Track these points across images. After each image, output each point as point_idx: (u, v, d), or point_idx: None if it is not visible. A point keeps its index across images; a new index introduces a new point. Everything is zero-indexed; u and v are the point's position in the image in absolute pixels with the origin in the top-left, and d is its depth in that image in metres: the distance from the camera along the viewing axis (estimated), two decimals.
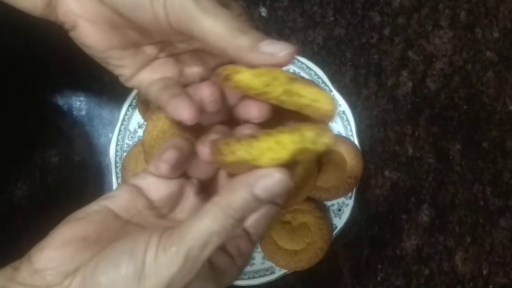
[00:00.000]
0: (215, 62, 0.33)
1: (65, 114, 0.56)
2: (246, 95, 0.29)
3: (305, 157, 0.25)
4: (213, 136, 0.30)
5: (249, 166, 0.25)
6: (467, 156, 0.59)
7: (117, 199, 0.29)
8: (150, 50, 0.33)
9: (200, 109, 0.30)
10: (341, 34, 0.60)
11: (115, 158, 0.53)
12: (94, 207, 0.29)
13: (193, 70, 0.34)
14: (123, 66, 0.33)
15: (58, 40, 0.57)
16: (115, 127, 0.54)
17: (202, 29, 0.27)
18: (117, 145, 0.53)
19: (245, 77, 0.27)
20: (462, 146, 0.59)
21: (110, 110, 0.56)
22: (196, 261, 0.24)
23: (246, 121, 0.30)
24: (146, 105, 0.52)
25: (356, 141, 0.54)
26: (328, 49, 0.60)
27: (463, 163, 0.58)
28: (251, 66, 0.27)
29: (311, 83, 0.29)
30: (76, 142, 0.55)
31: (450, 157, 0.58)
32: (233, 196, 0.25)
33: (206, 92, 0.30)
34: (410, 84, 0.60)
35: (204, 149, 0.28)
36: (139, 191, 0.30)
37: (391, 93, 0.59)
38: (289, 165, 0.25)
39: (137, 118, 0.54)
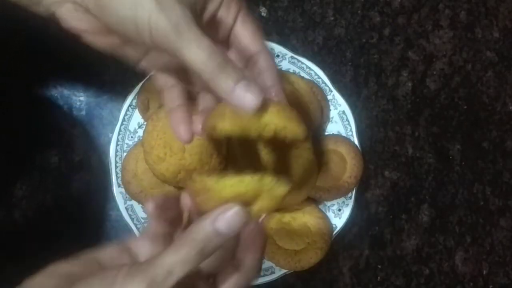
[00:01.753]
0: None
1: (65, 114, 0.56)
2: None
3: (267, 203, 0.29)
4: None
5: (214, 201, 0.28)
6: (467, 156, 0.59)
7: (106, 251, 0.32)
8: None
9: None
10: (341, 34, 0.60)
11: (115, 158, 0.53)
12: (86, 254, 0.32)
13: None
14: (128, 55, 0.36)
15: (58, 40, 0.57)
16: (115, 127, 0.53)
17: (184, 60, 0.29)
18: (117, 145, 0.53)
19: (225, 127, 0.30)
20: (462, 146, 0.59)
21: (110, 110, 0.56)
22: None
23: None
24: (146, 105, 0.52)
25: (356, 141, 0.54)
26: (328, 49, 0.60)
27: (463, 163, 0.58)
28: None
29: (286, 108, 0.32)
30: (76, 142, 0.55)
31: (450, 157, 0.59)
32: (197, 229, 0.27)
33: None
34: (410, 84, 0.60)
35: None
36: (128, 250, 0.33)
37: (391, 93, 0.59)
38: (248, 204, 0.29)
39: (137, 118, 0.54)
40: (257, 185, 0.28)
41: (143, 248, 0.33)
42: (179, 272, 0.26)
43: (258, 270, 0.33)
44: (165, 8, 0.29)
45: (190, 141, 0.35)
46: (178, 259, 0.26)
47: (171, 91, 0.37)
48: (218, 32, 0.36)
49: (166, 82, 0.37)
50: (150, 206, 0.31)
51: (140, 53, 0.36)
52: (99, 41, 0.35)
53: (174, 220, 0.33)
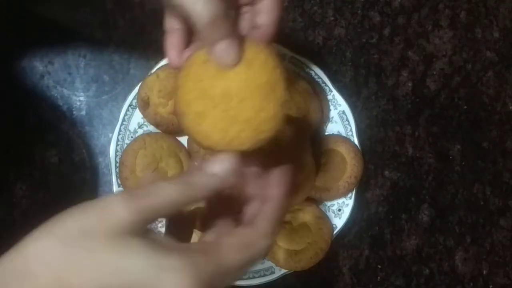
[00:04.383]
0: None
1: (65, 114, 0.56)
2: None
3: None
4: None
5: None
6: (467, 156, 0.59)
7: None
8: None
9: None
10: (341, 34, 0.60)
11: (115, 158, 0.53)
12: None
13: None
14: None
15: (58, 40, 0.58)
16: (115, 127, 0.53)
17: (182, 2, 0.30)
18: (117, 145, 0.53)
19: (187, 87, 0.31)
20: (462, 146, 0.59)
21: (110, 110, 0.56)
22: (139, 201, 0.26)
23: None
24: (146, 101, 0.52)
25: (356, 141, 0.54)
26: (328, 49, 0.60)
27: (463, 163, 0.58)
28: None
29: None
30: (76, 142, 0.55)
31: (450, 157, 0.59)
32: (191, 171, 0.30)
33: None
34: (410, 84, 0.60)
35: None
36: None
37: (391, 93, 0.59)
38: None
39: (137, 118, 0.54)
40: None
41: None
42: (163, 195, 0.27)
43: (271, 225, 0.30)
44: None
45: (178, 67, 0.34)
46: (165, 184, 0.27)
47: (176, 31, 0.37)
48: None
49: (173, 26, 0.37)
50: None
51: None
52: None
53: None
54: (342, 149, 0.53)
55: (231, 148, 0.31)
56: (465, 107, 0.60)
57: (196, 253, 0.26)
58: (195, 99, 0.31)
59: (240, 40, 0.32)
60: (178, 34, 0.36)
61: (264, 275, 0.52)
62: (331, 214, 0.54)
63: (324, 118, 0.55)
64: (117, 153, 0.53)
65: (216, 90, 0.31)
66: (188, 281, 0.25)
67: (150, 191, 0.27)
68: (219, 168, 0.29)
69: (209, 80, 0.31)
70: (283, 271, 0.51)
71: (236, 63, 0.31)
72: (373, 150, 0.58)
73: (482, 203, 0.58)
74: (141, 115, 0.53)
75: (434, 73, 0.60)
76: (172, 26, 0.36)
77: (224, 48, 0.31)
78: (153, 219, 0.27)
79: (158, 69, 0.53)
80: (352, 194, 0.53)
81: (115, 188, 0.52)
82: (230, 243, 0.28)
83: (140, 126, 0.54)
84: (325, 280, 0.55)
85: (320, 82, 0.55)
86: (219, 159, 0.30)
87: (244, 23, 0.37)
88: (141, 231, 0.26)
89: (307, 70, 0.55)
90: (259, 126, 0.31)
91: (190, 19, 0.31)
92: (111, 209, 0.26)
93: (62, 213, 0.27)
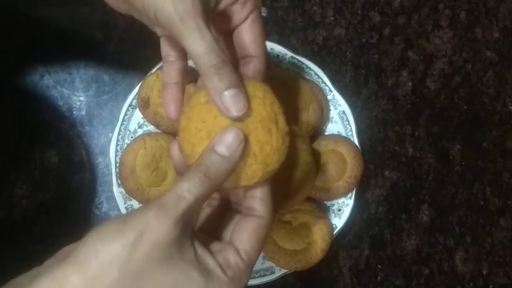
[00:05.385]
0: None
1: (65, 114, 0.56)
2: None
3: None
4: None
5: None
6: (467, 156, 0.59)
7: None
8: None
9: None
10: (341, 34, 0.60)
11: (115, 158, 0.53)
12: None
13: None
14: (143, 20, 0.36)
15: (58, 40, 0.58)
16: (115, 127, 0.53)
17: (185, 45, 0.30)
18: (117, 145, 0.53)
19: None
20: (462, 146, 0.59)
21: (110, 110, 0.56)
22: (170, 212, 0.27)
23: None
24: (146, 101, 0.52)
25: (356, 141, 0.54)
26: (328, 49, 0.60)
27: (463, 163, 0.58)
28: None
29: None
30: (76, 142, 0.55)
31: (450, 157, 0.59)
32: (201, 157, 0.29)
33: None
34: (410, 84, 0.60)
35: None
36: None
37: (391, 93, 0.59)
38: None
39: (137, 118, 0.54)
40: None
41: None
42: (189, 196, 0.27)
43: (269, 207, 0.33)
44: None
45: (176, 119, 0.35)
46: (186, 185, 0.28)
47: (171, 65, 0.37)
48: (228, 24, 0.36)
49: (169, 55, 0.37)
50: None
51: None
52: (117, 3, 0.35)
53: None
54: (342, 149, 0.53)
55: (241, 185, 0.32)
56: (465, 107, 0.60)
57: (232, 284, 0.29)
58: (200, 140, 0.31)
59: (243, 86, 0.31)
60: (175, 88, 0.36)
61: (264, 275, 0.52)
62: (331, 214, 0.54)
63: (324, 118, 0.55)
64: (117, 153, 0.53)
65: (220, 129, 0.31)
66: None
67: (177, 197, 0.27)
68: (227, 147, 0.29)
69: (212, 120, 0.31)
70: (283, 271, 0.51)
71: (245, 113, 0.30)
72: (373, 150, 0.58)
73: (482, 203, 0.58)
74: (141, 115, 0.53)
75: (434, 73, 0.60)
76: (168, 53, 0.37)
77: (231, 97, 0.30)
78: (190, 222, 0.28)
79: (158, 69, 0.53)
80: (352, 194, 0.53)
81: (115, 188, 0.52)
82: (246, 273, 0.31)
83: (140, 126, 0.54)
84: (325, 280, 0.55)
85: (320, 82, 0.55)
86: (222, 137, 0.30)
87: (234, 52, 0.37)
88: (182, 240, 0.27)
89: (307, 70, 0.55)
90: (265, 160, 0.31)
91: (193, 60, 0.31)
92: (151, 229, 0.26)
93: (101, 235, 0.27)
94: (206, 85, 0.31)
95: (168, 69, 0.37)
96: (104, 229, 0.26)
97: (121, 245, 0.25)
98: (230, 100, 0.30)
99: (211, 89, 0.30)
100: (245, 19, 0.36)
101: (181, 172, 0.36)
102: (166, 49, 0.37)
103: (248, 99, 0.31)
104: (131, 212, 0.27)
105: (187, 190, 0.27)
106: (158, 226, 0.26)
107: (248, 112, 0.31)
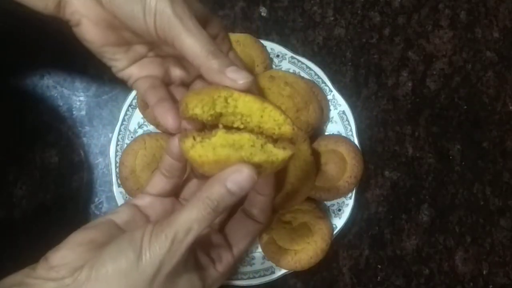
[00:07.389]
0: (195, 71, 0.39)
1: (65, 114, 0.56)
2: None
3: (269, 165, 0.31)
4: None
5: (220, 164, 0.30)
6: (467, 156, 0.59)
7: (119, 214, 0.36)
8: (140, 48, 0.39)
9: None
10: (341, 34, 0.60)
11: (115, 158, 0.53)
12: (101, 220, 0.35)
13: (176, 73, 0.40)
14: (116, 59, 0.38)
15: (58, 41, 0.57)
16: (115, 127, 0.53)
17: (182, 46, 0.33)
18: (117, 145, 0.53)
19: (193, 102, 0.32)
20: (462, 146, 0.59)
21: (110, 110, 0.56)
22: (181, 244, 0.30)
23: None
24: (146, 102, 0.52)
25: (356, 141, 0.54)
26: (328, 49, 0.60)
27: (463, 163, 0.58)
28: (217, 84, 0.33)
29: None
30: (76, 142, 0.55)
31: (450, 157, 0.59)
32: (210, 189, 0.31)
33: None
34: (410, 84, 0.60)
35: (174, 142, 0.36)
36: (138, 209, 0.37)
37: (391, 93, 0.59)
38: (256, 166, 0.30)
39: (137, 118, 0.54)
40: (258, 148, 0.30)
41: (152, 209, 0.37)
42: (196, 229, 0.30)
43: (268, 215, 0.38)
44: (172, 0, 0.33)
45: (178, 128, 0.36)
46: (195, 217, 0.30)
47: (155, 91, 0.38)
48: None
49: (147, 84, 0.38)
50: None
51: (126, 62, 0.38)
52: (94, 33, 0.36)
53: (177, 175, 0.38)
54: (342, 149, 0.53)
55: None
56: (465, 107, 0.60)
57: None
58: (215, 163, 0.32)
59: None
60: (165, 103, 0.37)
61: (264, 275, 0.52)
62: (331, 214, 0.54)
63: (324, 118, 0.55)
64: (117, 153, 0.53)
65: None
66: None
67: (187, 229, 0.30)
68: (239, 182, 0.30)
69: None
70: (283, 271, 0.51)
71: (250, 83, 0.32)
72: (373, 150, 0.58)
73: (482, 203, 0.58)
74: (141, 115, 0.53)
75: (434, 73, 0.60)
76: (146, 85, 0.38)
77: (233, 71, 0.32)
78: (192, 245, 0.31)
79: None
80: (352, 194, 0.53)
81: (115, 188, 0.52)
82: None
83: (140, 126, 0.54)
84: (325, 280, 0.55)
85: (320, 82, 0.55)
86: (234, 172, 0.30)
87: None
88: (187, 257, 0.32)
89: (307, 70, 0.55)
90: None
91: (190, 59, 0.33)
92: (167, 264, 0.30)
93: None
94: (208, 73, 0.33)
95: (152, 94, 0.38)
96: (118, 256, 0.30)
97: (142, 280, 0.30)
98: (234, 73, 0.32)
99: (214, 71, 0.32)
100: None
101: (171, 169, 0.38)
102: (142, 85, 0.39)
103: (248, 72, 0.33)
104: (145, 234, 0.30)
105: (197, 222, 0.30)
106: (171, 261, 0.30)
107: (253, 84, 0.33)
